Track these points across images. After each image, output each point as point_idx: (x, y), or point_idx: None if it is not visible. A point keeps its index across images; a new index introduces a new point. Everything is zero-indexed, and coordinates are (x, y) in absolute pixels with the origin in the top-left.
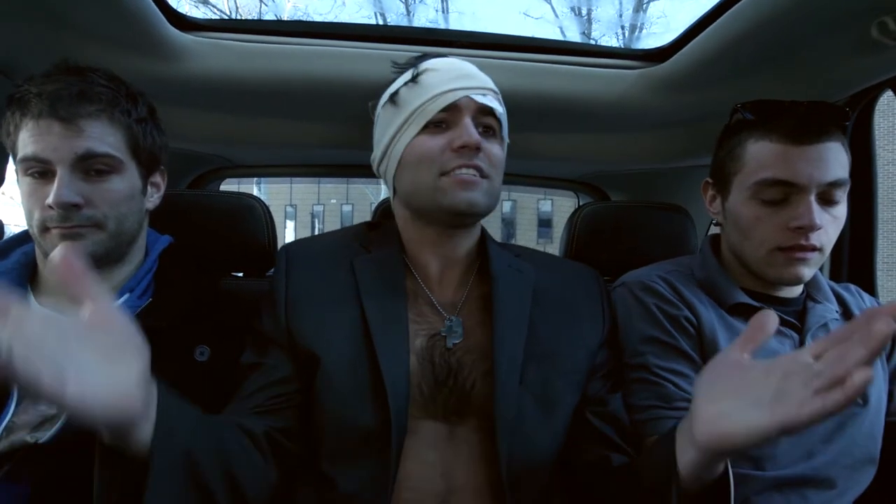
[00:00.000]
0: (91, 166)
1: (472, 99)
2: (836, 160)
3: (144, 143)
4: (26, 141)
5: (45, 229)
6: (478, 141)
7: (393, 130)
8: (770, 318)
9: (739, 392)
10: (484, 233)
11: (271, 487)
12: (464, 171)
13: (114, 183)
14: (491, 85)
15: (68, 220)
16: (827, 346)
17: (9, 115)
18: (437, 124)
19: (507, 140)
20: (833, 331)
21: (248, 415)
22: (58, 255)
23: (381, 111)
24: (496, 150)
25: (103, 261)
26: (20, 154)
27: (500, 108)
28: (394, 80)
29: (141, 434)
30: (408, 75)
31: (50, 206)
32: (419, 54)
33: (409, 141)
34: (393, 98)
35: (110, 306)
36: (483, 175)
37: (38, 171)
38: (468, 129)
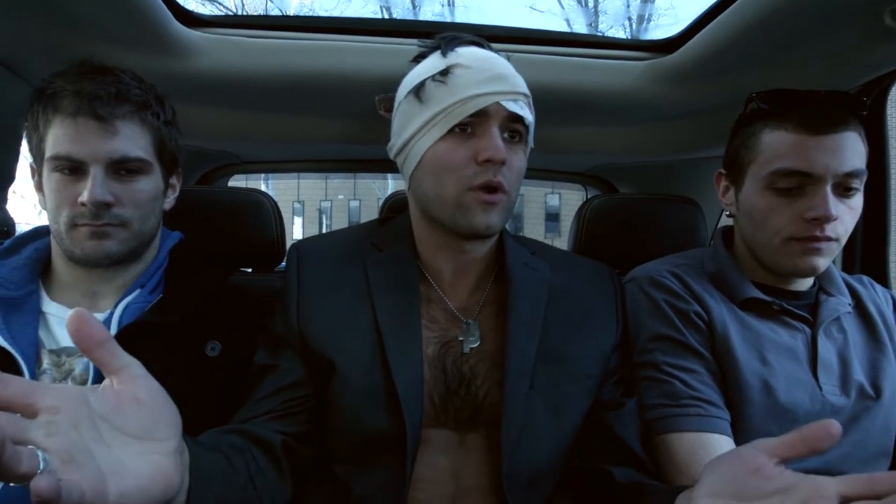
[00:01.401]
0: (123, 167)
1: (502, 106)
2: (853, 150)
3: (169, 146)
4: (60, 139)
5: (73, 226)
6: (504, 157)
7: (415, 127)
8: (829, 435)
9: (747, 501)
10: (502, 231)
11: (286, 502)
12: (486, 193)
13: (142, 184)
14: (522, 88)
15: (99, 217)
16: (860, 489)
17: (38, 109)
18: (462, 127)
19: (531, 145)
20: (875, 475)
21: (263, 422)
22: (74, 322)
23: (404, 101)
24: (519, 160)
25: (124, 259)
26: (52, 152)
27: (529, 117)
28: (405, 71)
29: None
30: (437, 64)
31: (82, 204)
32: (449, 36)
33: (431, 143)
34: (418, 92)
35: (139, 373)
36: (503, 192)
37: (70, 168)
38: (495, 142)
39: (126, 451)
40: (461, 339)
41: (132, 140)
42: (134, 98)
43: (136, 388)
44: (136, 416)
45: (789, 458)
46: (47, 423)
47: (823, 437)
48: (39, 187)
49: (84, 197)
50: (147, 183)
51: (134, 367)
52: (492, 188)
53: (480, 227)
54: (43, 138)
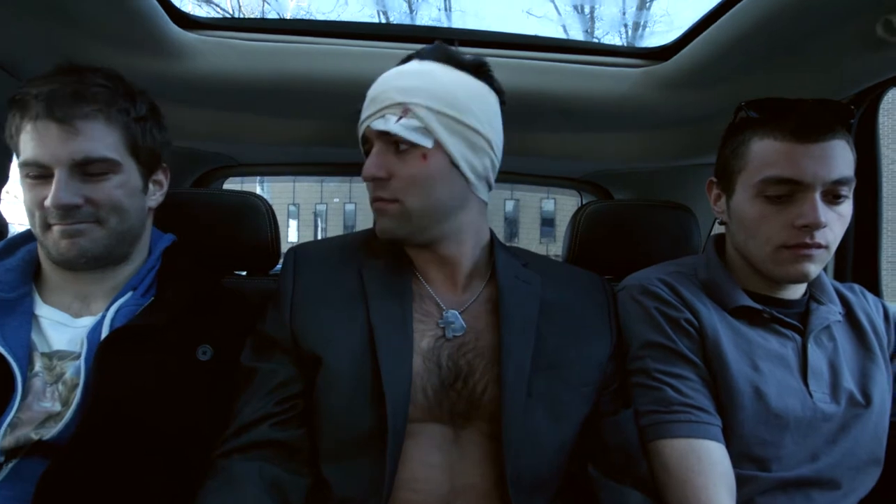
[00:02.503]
0: (88, 169)
1: (371, 129)
2: (841, 158)
3: (144, 142)
4: (26, 144)
5: (46, 227)
6: (370, 175)
7: None
8: None
9: None
10: (493, 238)
11: None
12: (376, 203)
13: (113, 183)
14: (391, 100)
15: (69, 217)
16: None
17: (10, 116)
18: (368, 150)
19: (447, 142)
20: None
21: (267, 428)
22: None
23: None
24: (409, 168)
25: (104, 259)
26: (21, 158)
27: (394, 128)
28: None
29: None
30: None
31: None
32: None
33: None
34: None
35: None
36: (387, 200)
37: (37, 174)
38: (367, 163)
39: None
40: (442, 325)
41: (97, 140)
42: (94, 96)
43: None
44: None
45: None
46: None
47: None
48: None
49: (48, 201)
50: (118, 182)
51: None
52: (377, 200)
53: (378, 232)
54: (17, 144)
